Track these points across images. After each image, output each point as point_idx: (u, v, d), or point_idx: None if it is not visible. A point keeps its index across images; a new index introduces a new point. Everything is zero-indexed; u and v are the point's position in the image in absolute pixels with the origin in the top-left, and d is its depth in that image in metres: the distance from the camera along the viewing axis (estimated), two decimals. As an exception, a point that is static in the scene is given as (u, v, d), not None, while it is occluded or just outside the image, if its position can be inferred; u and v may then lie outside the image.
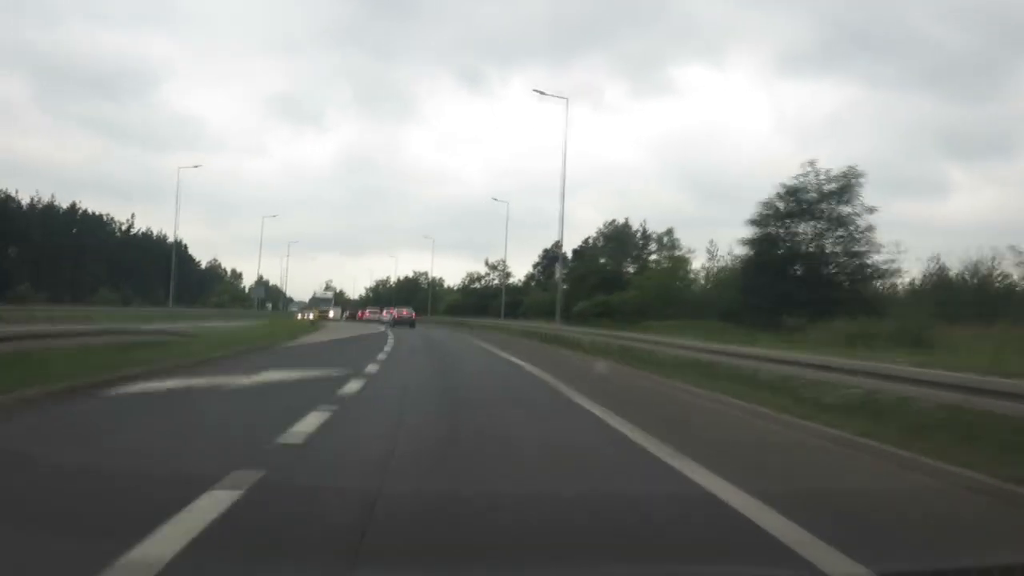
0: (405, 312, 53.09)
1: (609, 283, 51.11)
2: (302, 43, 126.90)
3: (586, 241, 64.27)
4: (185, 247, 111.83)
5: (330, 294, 75.01)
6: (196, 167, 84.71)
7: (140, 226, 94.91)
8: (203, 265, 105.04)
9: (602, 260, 58.09)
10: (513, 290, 66.41)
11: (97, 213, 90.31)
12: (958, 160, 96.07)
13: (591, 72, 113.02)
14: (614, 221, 62.17)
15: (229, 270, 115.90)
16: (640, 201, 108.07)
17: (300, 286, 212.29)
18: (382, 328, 44.15)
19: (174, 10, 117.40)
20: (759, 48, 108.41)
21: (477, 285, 78.33)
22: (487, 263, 78.06)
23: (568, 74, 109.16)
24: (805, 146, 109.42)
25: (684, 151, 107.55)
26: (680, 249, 54.33)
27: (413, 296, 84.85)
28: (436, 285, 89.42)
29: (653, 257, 56.69)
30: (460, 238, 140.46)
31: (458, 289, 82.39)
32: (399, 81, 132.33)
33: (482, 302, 67.51)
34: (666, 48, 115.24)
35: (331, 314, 62.96)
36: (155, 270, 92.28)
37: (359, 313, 79.48)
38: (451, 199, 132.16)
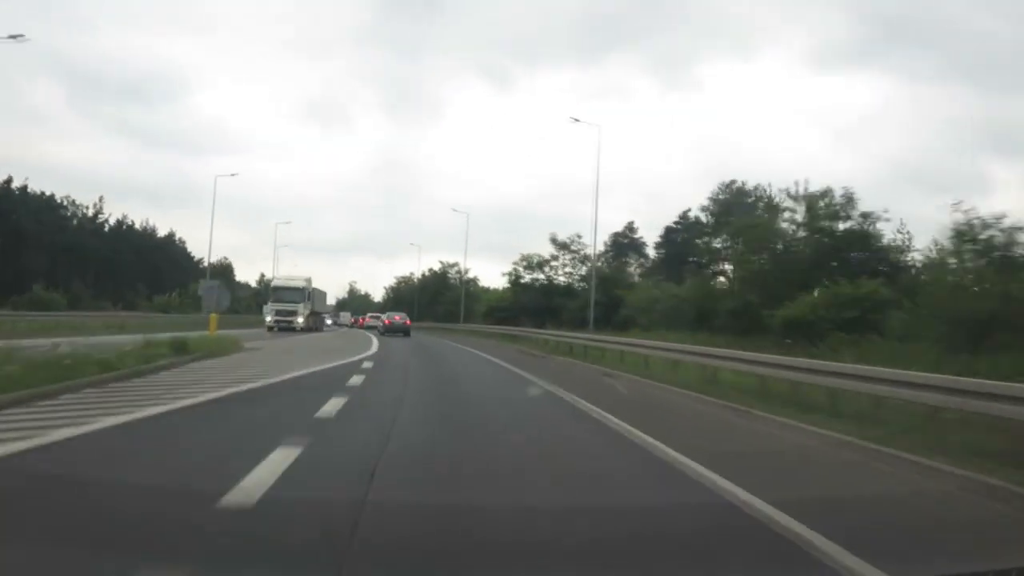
0: (398, 317, 46.66)
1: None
2: (330, 45, 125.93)
3: (684, 217, 47.95)
4: (182, 243, 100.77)
5: (301, 283, 43.85)
6: (233, 175, 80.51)
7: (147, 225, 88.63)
8: (204, 264, 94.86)
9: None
10: (564, 292, 49.81)
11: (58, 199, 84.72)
12: (1001, 156, 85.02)
13: (620, 70, 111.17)
14: (733, 182, 45.66)
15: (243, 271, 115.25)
16: (674, 204, 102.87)
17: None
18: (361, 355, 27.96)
19: (203, 15, 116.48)
20: (791, 43, 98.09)
21: (539, 276, 54.13)
22: (555, 241, 53.41)
23: (597, 73, 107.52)
24: (839, 143, 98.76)
25: (715, 150, 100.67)
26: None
27: (440, 296, 68.17)
28: (471, 283, 71.71)
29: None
30: (492, 242, 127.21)
31: (509, 283, 58.19)
32: (426, 82, 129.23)
33: (546, 302, 48.41)
34: (696, 45, 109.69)
35: (299, 320, 40.76)
36: (139, 266, 77.57)
37: (358, 320, 69.87)
38: (481, 201, 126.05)
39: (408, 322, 45.99)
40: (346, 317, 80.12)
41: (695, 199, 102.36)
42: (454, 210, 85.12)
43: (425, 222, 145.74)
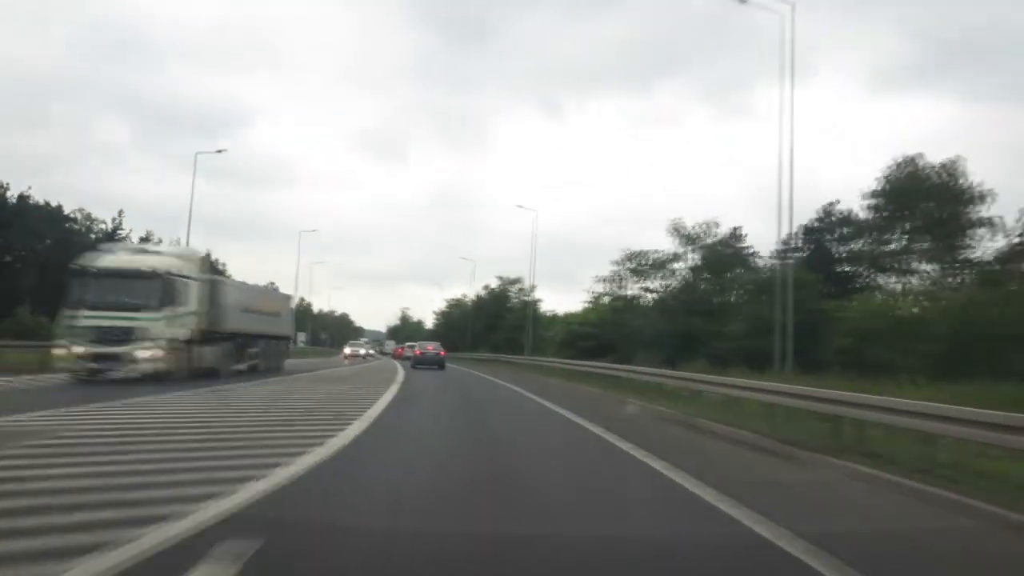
0: (430, 347, 40.53)
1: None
2: (387, 79, 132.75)
3: (828, 212, 34.50)
4: (220, 264, 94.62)
5: (153, 260, 19.15)
6: (313, 231, 74.10)
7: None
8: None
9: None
10: (705, 310, 35.11)
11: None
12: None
13: (671, 97, 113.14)
14: (912, 159, 32.05)
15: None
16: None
17: (372, 317, 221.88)
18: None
19: (265, 53, 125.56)
20: (848, 65, 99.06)
21: (652, 285, 38.64)
22: (678, 231, 37.89)
23: (648, 100, 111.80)
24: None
25: (770, 176, 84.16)
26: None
27: (500, 321, 55.32)
28: (537, 304, 58.14)
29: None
30: (548, 271, 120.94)
31: (591, 302, 44.92)
32: (480, 113, 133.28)
33: (669, 324, 32.76)
34: (749, 70, 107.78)
35: (142, 356, 17.88)
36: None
37: (397, 350, 61.92)
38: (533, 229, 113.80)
39: (442, 352, 39.24)
40: (390, 346, 75.90)
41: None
42: (520, 206, 73.20)
43: (479, 249, 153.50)
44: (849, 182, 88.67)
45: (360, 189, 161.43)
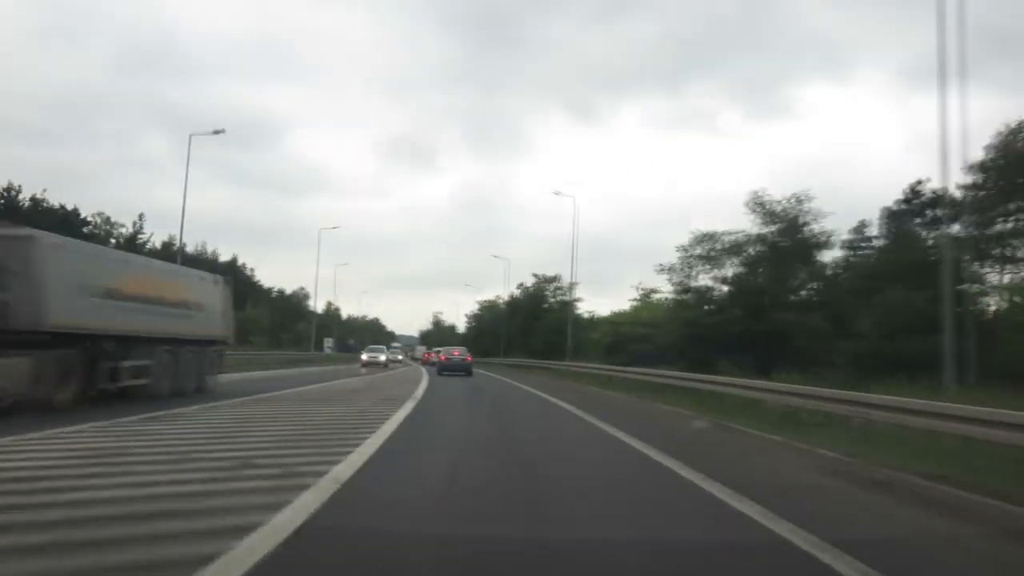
0: (456, 353, 38.11)
1: None
2: (417, 85, 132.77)
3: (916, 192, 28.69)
4: (249, 269, 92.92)
5: None
6: (335, 228, 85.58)
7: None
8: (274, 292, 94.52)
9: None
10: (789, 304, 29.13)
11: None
12: None
13: (704, 97, 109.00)
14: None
15: (322, 304, 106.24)
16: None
17: (405, 322, 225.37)
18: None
19: (297, 64, 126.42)
20: (887, 60, 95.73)
21: (725, 277, 32.19)
22: (761, 204, 31.03)
23: (681, 100, 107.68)
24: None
25: (806, 176, 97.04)
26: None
27: (537, 323, 50.24)
28: (576, 303, 52.76)
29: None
30: (581, 274, 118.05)
31: (640, 299, 40.71)
32: (510, 117, 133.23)
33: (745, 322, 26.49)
34: (784, 67, 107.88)
35: None
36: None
37: (425, 355, 59.87)
38: (565, 233, 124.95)
39: (469, 358, 37.25)
40: (420, 351, 72.88)
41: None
42: (556, 193, 68.24)
43: (510, 253, 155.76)
44: (892, 179, 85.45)
45: (391, 195, 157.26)
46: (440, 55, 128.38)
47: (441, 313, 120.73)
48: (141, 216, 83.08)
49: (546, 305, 55.80)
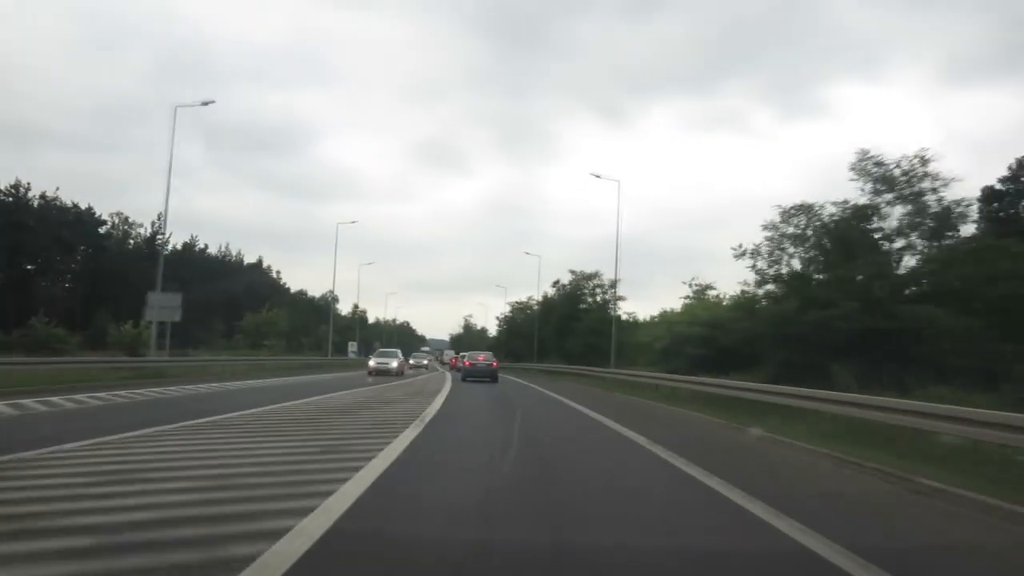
0: (481, 358, 35.11)
1: None
2: (445, 89, 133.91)
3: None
4: (275, 272, 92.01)
5: None
6: (353, 223, 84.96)
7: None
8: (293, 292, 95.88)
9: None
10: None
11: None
12: None
13: (736, 98, 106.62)
14: None
15: (348, 306, 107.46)
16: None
17: (436, 327, 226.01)
18: None
19: (325, 69, 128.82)
20: (922, 57, 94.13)
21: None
22: (879, 168, 24.47)
23: (711, 102, 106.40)
24: (981, 163, 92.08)
25: (839, 177, 73.51)
26: None
27: (575, 324, 44.97)
28: (618, 303, 46.95)
29: None
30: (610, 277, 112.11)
31: (694, 297, 36.15)
32: (539, 120, 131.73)
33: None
34: (817, 66, 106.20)
35: None
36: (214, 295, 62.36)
37: (452, 360, 58.07)
38: (596, 237, 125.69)
39: (494, 363, 35.23)
40: (450, 355, 71.15)
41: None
42: (595, 175, 62.62)
43: (543, 255, 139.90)
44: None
45: (420, 199, 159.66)
46: (470, 60, 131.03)
47: (471, 316, 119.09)
48: (160, 216, 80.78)
49: (584, 305, 50.38)
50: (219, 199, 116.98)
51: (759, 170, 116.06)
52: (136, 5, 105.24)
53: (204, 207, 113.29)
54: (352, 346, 77.14)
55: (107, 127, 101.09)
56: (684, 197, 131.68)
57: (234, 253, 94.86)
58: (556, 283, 56.71)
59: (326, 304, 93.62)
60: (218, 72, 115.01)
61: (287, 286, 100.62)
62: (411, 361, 50.75)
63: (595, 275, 49.38)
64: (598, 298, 47.21)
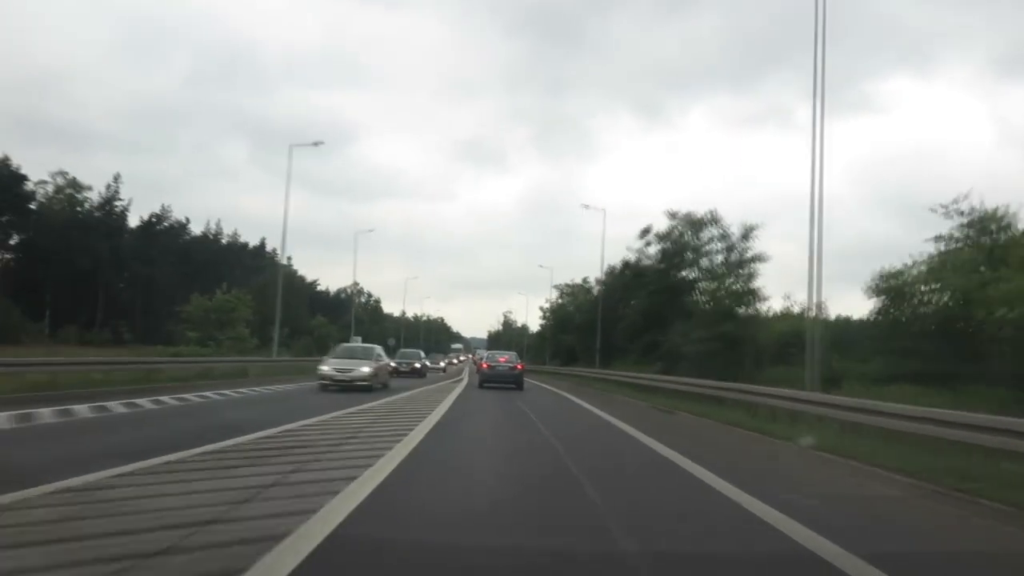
0: (502, 360, 28.77)
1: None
2: (483, 88, 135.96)
3: None
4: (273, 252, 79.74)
5: None
6: (371, 231, 75.28)
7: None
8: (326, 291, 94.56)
9: None
10: None
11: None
12: None
13: (776, 94, 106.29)
14: None
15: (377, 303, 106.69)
16: (842, 230, 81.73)
17: (473, 325, 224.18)
18: None
19: (366, 71, 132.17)
20: (973, 50, 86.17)
21: None
22: None
23: (751, 98, 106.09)
24: None
25: (890, 174, 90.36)
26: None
27: (673, 300, 26.72)
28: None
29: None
30: None
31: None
32: (576, 117, 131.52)
33: None
34: (862, 60, 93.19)
35: None
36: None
37: (480, 364, 39.78)
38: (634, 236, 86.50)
39: (519, 366, 27.76)
40: (483, 355, 52.72)
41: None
42: (585, 206, 45.56)
43: (581, 257, 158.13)
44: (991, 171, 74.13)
45: (459, 198, 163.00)
46: (508, 59, 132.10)
47: (511, 313, 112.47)
48: (164, 207, 70.94)
49: (691, 274, 30.14)
50: (261, 198, 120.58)
51: (804, 166, 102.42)
52: (176, 9, 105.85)
53: (246, 206, 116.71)
54: (356, 342, 60.66)
55: (151, 129, 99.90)
56: (726, 194, 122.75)
57: (227, 232, 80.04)
58: (610, 270, 38.30)
59: (349, 299, 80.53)
60: (260, 75, 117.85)
61: (300, 273, 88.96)
62: (396, 363, 33.69)
63: (713, 215, 28.75)
64: (717, 259, 28.04)
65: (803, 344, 27.88)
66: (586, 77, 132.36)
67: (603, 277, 41.81)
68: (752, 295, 25.33)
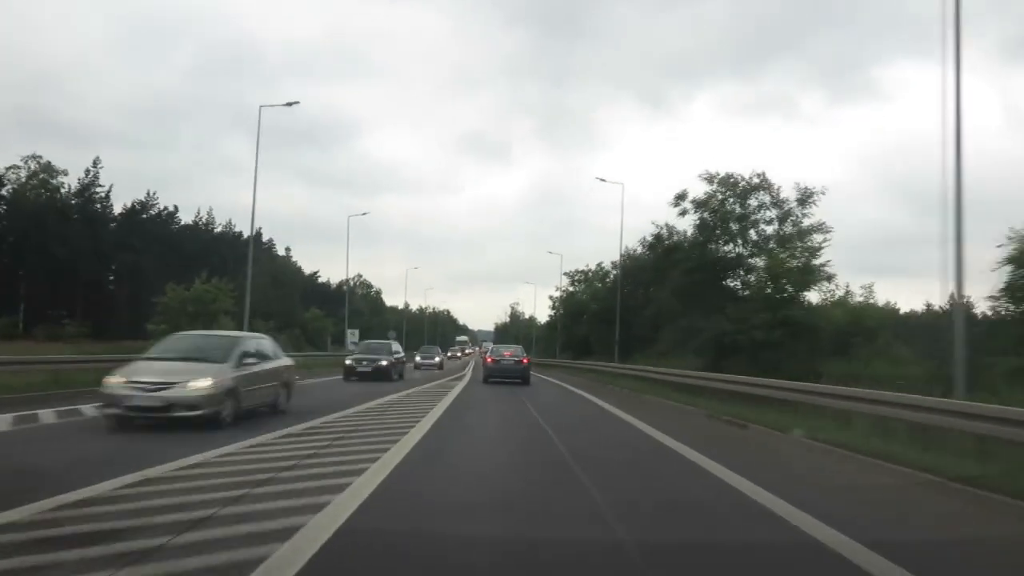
0: (507, 353, 28.41)
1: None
2: (486, 79, 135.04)
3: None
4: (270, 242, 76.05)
5: None
6: (364, 214, 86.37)
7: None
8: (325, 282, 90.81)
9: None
10: None
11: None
12: None
13: (781, 83, 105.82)
14: None
15: (377, 294, 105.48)
16: (847, 218, 66.75)
17: (480, 317, 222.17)
18: None
19: (369, 64, 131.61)
20: (981, 33, 79.70)
21: None
22: None
23: (755, 87, 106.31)
24: None
25: (895, 161, 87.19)
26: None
27: (716, 278, 22.62)
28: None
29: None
30: None
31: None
32: (580, 108, 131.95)
33: None
34: (867, 46, 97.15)
35: None
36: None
37: (486, 358, 37.75)
38: (642, 227, 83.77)
39: (525, 360, 27.48)
40: (488, 348, 56.38)
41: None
42: (601, 179, 49.05)
43: (586, 249, 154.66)
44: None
45: (464, 191, 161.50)
46: (511, 50, 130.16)
47: (518, 304, 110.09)
48: (96, 161, 65.48)
49: (734, 249, 25.49)
50: (261, 191, 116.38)
51: (809, 154, 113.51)
52: (178, 2, 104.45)
53: (245, 199, 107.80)
54: (352, 335, 56.79)
55: (153, 123, 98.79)
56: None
57: (220, 222, 76.08)
58: (628, 252, 33.81)
59: (344, 291, 76.50)
60: (264, 69, 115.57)
61: (298, 265, 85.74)
62: (356, 361, 26.38)
63: (762, 184, 24.66)
64: (767, 230, 23.64)
65: (867, 335, 23.69)
66: (589, 67, 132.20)
67: (622, 259, 37.54)
68: (817, 273, 21.18)
